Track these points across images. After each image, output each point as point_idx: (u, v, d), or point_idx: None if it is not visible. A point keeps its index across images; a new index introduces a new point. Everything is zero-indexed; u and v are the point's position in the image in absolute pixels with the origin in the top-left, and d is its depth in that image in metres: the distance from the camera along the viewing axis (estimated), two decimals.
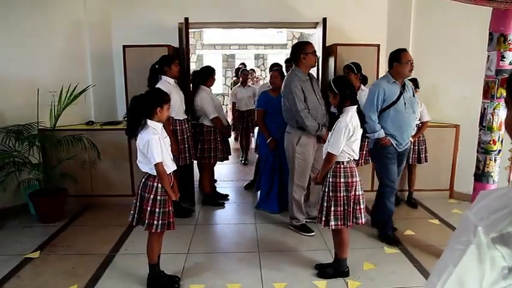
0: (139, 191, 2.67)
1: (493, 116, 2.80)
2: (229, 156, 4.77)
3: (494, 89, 2.78)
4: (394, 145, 3.46)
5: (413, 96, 3.53)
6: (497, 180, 2.89)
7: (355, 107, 2.79)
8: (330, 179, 2.80)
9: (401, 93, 3.39)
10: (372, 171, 4.52)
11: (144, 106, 2.58)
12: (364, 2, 4.94)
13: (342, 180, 2.77)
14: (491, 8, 2.70)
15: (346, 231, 2.90)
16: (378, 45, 4.36)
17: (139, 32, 4.76)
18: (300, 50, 3.56)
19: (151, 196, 2.61)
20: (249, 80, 7.75)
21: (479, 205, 0.77)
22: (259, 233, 3.84)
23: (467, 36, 3.87)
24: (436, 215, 4.22)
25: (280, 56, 13.02)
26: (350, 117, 2.71)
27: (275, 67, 4.98)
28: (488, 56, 2.80)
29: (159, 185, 2.62)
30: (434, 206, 4.47)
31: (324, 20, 4.34)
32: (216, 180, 5.40)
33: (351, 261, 3.05)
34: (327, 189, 2.81)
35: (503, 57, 2.70)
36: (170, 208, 2.69)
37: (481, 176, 2.92)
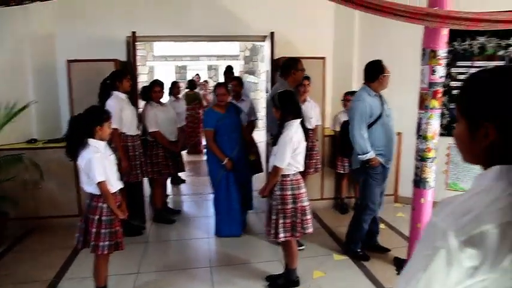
0: (85, 213, 2.59)
1: (427, 126, 2.98)
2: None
3: (428, 100, 2.96)
4: (384, 162, 3.36)
5: (387, 106, 3.47)
6: (433, 185, 3.06)
7: (299, 120, 2.86)
8: (277, 192, 2.85)
9: (382, 106, 3.35)
10: (322, 180, 4.65)
11: (84, 125, 2.51)
12: (310, 16, 5.08)
13: (290, 192, 2.83)
14: (423, 26, 2.88)
15: (294, 242, 2.96)
16: (324, 58, 4.50)
17: (85, 46, 4.61)
18: (292, 66, 3.67)
19: (96, 217, 2.54)
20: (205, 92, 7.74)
21: (444, 211, 0.82)
22: (212, 247, 3.83)
23: (406, 50, 4.08)
24: (382, 220, 4.39)
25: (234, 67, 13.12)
26: (294, 131, 2.78)
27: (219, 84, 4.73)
28: (422, 69, 2.98)
29: (105, 205, 2.55)
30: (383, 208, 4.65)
31: (272, 33, 4.44)
32: (168, 196, 5.33)
33: (301, 270, 3.11)
34: (274, 202, 2.86)
35: (434, 71, 2.88)
36: (118, 228, 2.63)
37: (419, 182, 3.07)
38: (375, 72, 3.30)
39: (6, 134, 4.05)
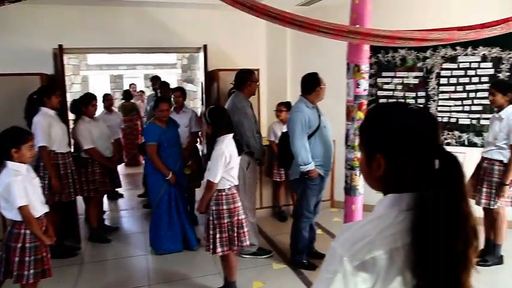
0: (5, 241, 2.43)
1: (354, 136, 3.15)
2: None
3: (354, 112, 3.13)
4: (323, 174, 3.42)
5: (324, 118, 3.54)
6: (362, 192, 3.24)
7: (231, 135, 2.91)
8: (213, 207, 2.87)
9: (319, 117, 3.42)
10: (260, 189, 4.73)
11: (0, 148, 2.37)
12: (245, 28, 5.18)
13: (225, 207, 2.86)
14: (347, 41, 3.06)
15: (232, 255, 3.00)
16: (258, 70, 4.60)
17: (6, 59, 4.34)
18: (247, 78, 3.67)
19: (19, 245, 2.39)
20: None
21: (342, 237, 0.89)
22: (151, 264, 3.75)
23: (333, 63, 4.30)
24: (319, 225, 4.56)
25: (171, 76, 12.94)
26: (225, 145, 2.82)
27: (175, 93, 4.71)
28: (347, 83, 3.16)
29: (28, 231, 2.41)
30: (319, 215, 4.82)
31: (205, 46, 4.47)
32: (104, 212, 5.14)
33: (241, 282, 3.15)
34: (211, 218, 2.87)
35: (358, 84, 3.07)
36: (44, 254, 2.49)
37: (349, 189, 3.24)
38: (311, 85, 3.40)
39: None
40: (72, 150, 4.10)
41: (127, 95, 7.73)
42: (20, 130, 2.50)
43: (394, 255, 0.83)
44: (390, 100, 4.74)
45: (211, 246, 2.88)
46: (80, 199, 4.29)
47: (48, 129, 3.60)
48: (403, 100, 4.68)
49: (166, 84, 5.85)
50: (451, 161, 0.86)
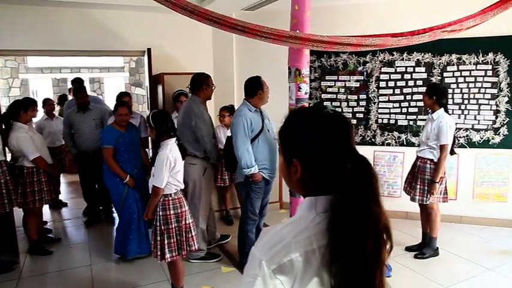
0: None
1: None
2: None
3: None
4: (267, 177, 3.44)
5: (269, 121, 3.55)
6: None
7: (174, 139, 2.90)
8: (160, 213, 2.83)
9: (262, 121, 3.43)
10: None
11: None
12: (191, 32, 5.14)
13: (172, 212, 2.83)
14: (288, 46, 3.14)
15: (180, 260, 2.97)
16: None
17: None
18: (203, 81, 3.64)
19: None
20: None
21: (261, 242, 0.91)
22: (96, 274, 3.62)
23: (280, 66, 4.39)
24: (265, 226, 4.62)
25: (118, 80, 12.59)
26: (169, 150, 2.79)
27: (124, 98, 4.56)
28: (289, 87, 3.24)
29: None
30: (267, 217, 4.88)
31: (149, 50, 4.41)
32: (46, 222, 4.90)
33: (190, 287, 3.12)
34: (158, 223, 2.83)
35: (300, 88, 3.16)
36: None
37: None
38: (254, 88, 3.42)
39: None
40: (6, 159, 3.84)
41: (63, 99, 7.32)
42: None
43: (310, 257, 0.86)
44: (334, 103, 4.91)
45: (159, 253, 2.83)
46: (17, 210, 4.05)
47: None
48: (345, 103, 4.87)
49: (81, 87, 5.12)
50: (362, 164, 0.90)
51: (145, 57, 4.68)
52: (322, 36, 2.88)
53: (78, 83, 5.54)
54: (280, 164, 1.04)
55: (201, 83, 3.67)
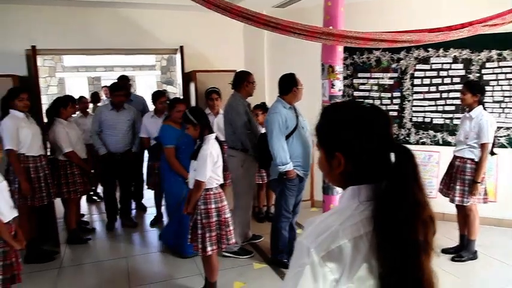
0: None
1: None
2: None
3: None
4: (302, 174, 3.43)
5: (303, 118, 3.53)
6: (340, 191, 3.28)
7: (214, 134, 2.95)
8: (202, 207, 2.87)
9: (297, 118, 3.42)
10: None
11: None
12: (222, 30, 5.18)
13: (213, 206, 2.88)
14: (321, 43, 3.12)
15: (215, 255, 3.00)
16: (235, 71, 4.60)
17: None
18: (244, 79, 3.77)
19: None
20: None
21: (307, 231, 0.92)
22: (131, 266, 3.72)
23: (310, 64, 4.36)
24: (299, 225, 4.60)
25: (150, 78, 12.85)
26: (211, 144, 2.84)
27: (161, 98, 4.52)
28: (322, 83, 3.21)
29: None
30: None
31: (181, 47, 4.47)
32: (83, 215, 5.08)
33: (222, 282, 3.16)
34: (199, 217, 2.87)
35: (333, 85, 3.13)
36: (14, 259, 2.44)
37: (327, 188, 3.29)
38: (288, 85, 3.41)
39: None
40: (45, 153, 4.00)
41: (95, 98, 7.50)
42: None
43: (358, 242, 0.86)
44: (366, 101, 4.83)
45: (200, 246, 2.87)
46: (58, 203, 4.22)
47: (16, 132, 3.53)
48: (378, 101, 4.78)
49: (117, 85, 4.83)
50: (405, 154, 0.91)
51: (178, 55, 4.75)
52: (356, 33, 2.84)
53: (122, 80, 5.20)
54: (320, 159, 1.03)
55: (242, 80, 3.80)
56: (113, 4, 4.71)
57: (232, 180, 3.89)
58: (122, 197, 4.80)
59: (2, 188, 2.43)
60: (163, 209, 4.80)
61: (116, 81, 4.95)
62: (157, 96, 4.51)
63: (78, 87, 12.30)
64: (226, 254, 3.77)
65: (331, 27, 2.94)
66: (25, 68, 4.38)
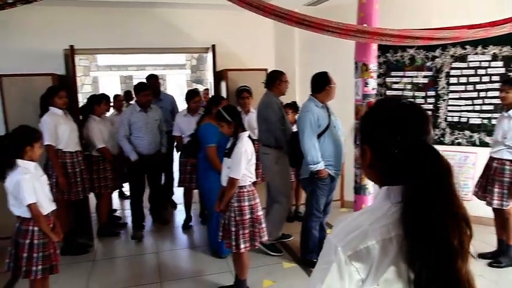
0: (14, 237, 2.48)
1: None
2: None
3: (362, 111, 3.14)
4: (333, 173, 3.40)
5: (335, 118, 3.50)
6: (372, 191, 3.24)
7: (248, 132, 2.96)
8: (235, 204, 2.89)
9: (329, 117, 3.40)
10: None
11: (13, 145, 2.43)
12: (253, 29, 5.20)
13: (247, 203, 2.89)
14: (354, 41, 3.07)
15: (245, 253, 3.01)
16: (266, 70, 4.62)
17: (19, 59, 4.43)
18: (276, 77, 3.82)
19: (27, 241, 2.44)
20: None
21: (337, 229, 0.92)
22: (161, 261, 3.80)
23: (342, 63, 4.30)
24: (329, 225, 4.55)
25: (180, 77, 13.03)
26: (246, 142, 2.86)
27: (195, 98, 4.46)
28: (356, 82, 3.16)
29: (36, 228, 2.46)
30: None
31: (213, 46, 4.51)
32: (115, 210, 5.22)
33: (251, 280, 3.17)
34: (233, 214, 2.89)
35: (367, 83, 3.07)
36: (52, 251, 2.54)
37: (359, 188, 3.24)
38: (321, 84, 3.39)
39: None
40: (81, 149, 4.11)
41: (128, 96, 7.65)
42: (31, 129, 2.56)
43: (387, 245, 0.84)
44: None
45: (233, 243, 2.89)
46: (92, 199, 4.36)
47: (55, 129, 3.67)
48: (412, 100, 4.67)
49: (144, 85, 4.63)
50: (434, 156, 0.89)
51: (210, 54, 4.79)
52: (391, 30, 2.78)
53: (150, 79, 5.17)
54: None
55: (274, 79, 3.84)
56: (147, 4, 4.81)
57: (267, 178, 3.90)
58: (151, 195, 4.72)
59: (42, 182, 2.53)
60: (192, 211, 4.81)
61: (141, 80, 4.75)
62: (192, 95, 4.48)
63: (111, 86, 12.64)
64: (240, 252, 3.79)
65: (365, 25, 2.89)
66: (63, 67, 4.54)
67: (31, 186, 2.40)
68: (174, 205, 5.44)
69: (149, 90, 4.42)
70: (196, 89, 5.10)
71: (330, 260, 0.86)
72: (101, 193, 4.31)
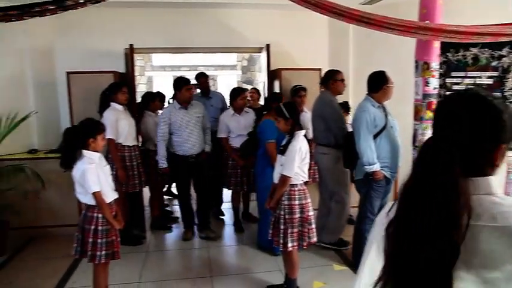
0: (81, 224, 2.63)
1: (423, 136, 3.04)
2: None
3: (422, 111, 3.03)
4: (389, 175, 3.31)
5: (392, 118, 3.40)
6: None
7: (304, 131, 2.94)
8: (286, 202, 2.87)
9: (386, 117, 3.32)
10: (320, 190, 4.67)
11: (78, 137, 2.57)
12: (306, 28, 5.19)
13: (297, 202, 2.87)
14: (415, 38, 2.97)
15: (296, 252, 2.99)
16: (320, 69, 4.58)
17: (84, 58, 4.74)
18: (330, 76, 3.82)
19: (92, 227, 2.58)
20: None
21: (381, 213, 0.98)
22: (212, 256, 3.86)
23: (400, 62, 4.17)
24: None
25: (231, 78, 13.22)
26: (301, 140, 2.84)
27: (241, 94, 4.35)
28: (415, 81, 3.05)
29: (100, 215, 2.59)
30: None
31: (268, 45, 4.53)
32: (167, 205, 5.37)
33: (301, 280, 3.14)
34: (283, 212, 2.87)
35: (427, 83, 2.96)
36: (114, 238, 2.66)
37: None
38: (378, 83, 3.30)
39: (7, 144, 4.10)
40: (138, 143, 4.30)
41: None
42: (95, 122, 2.71)
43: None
44: None
45: (281, 241, 2.88)
46: (145, 192, 4.53)
47: (116, 123, 3.84)
48: None
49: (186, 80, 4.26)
50: None
51: (264, 53, 4.83)
52: (457, 26, 2.65)
53: (200, 77, 5.03)
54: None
55: (328, 78, 3.83)
56: (203, 5, 4.93)
57: (324, 179, 3.86)
58: (199, 208, 4.34)
59: (106, 172, 2.67)
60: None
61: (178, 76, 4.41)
62: (238, 92, 4.34)
63: (164, 86, 13.06)
64: (323, 245, 3.84)
65: (427, 22, 2.78)
66: (123, 65, 4.77)
67: (96, 176, 2.53)
68: (222, 214, 5.04)
69: (192, 85, 4.17)
70: (241, 87, 5.04)
71: (370, 240, 0.97)
72: (156, 186, 4.46)
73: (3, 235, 4.00)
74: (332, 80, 3.78)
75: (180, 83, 4.06)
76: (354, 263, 3.55)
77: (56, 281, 3.36)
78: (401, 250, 0.83)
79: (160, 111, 4.67)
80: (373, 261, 0.87)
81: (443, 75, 4.55)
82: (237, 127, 4.27)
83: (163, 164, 4.04)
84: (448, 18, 2.87)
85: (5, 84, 4.46)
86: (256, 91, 5.30)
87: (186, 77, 4.24)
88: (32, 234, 4.31)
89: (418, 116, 3.08)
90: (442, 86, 4.56)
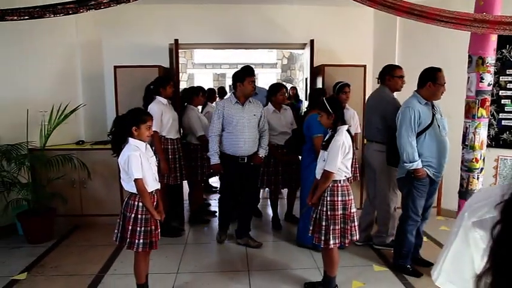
0: (122, 211, 2.69)
1: (474, 135, 2.89)
2: None
3: (475, 109, 2.87)
4: (432, 175, 3.17)
5: (442, 117, 3.24)
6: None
7: (347, 126, 2.86)
8: (328, 198, 2.81)
9: (433, 115, 3.16)
10: (361, 189, 4.57)
11: (124, 125, 2.63)
12: (350, 24, 5.08)
13: (340, 198, 2.80)
14: (470, 32, 2.81)
15: (336, 250, 2.92)
16: (365, 66, 4.46)
17: (130, 52, 4.87)
18: (387, 72, 3.73)
19: (133, 215, 2.61)
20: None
21: (471, 198, 0.91)
22: (249, 251, 3.85)
23: (450, 57, 3.99)
24: (424, 233, 4.26)
25: (271, 76, 13.21)
26: (344, 136, 2.77)
27: (280, 90, 4.32)
28: (468, 77, 2.90)
29: (141, 204, 2.62)
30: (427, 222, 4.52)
31: (312, 41, 4.46)
32: (205, 199, 5.43)
33: (340, 279, 3.08)
34: (325, 208, 2.81)
35: (482, 78, 2.80)
36: (153, 227, 2.67)
37: (465, 193, 2.98)
38: (423, 79, 3.16)
39: (58, 135, 4.29)
40: (180, 137, 4.35)
41: (222, 91, 7.98)
42: (141, 111, 2.76)
43: None
44: None
45: (323, 238, 2.82)
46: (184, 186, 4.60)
47: (160, 117, 3.90)
48: None
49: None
50: None
51: (307, 50, 4.76)
52: None
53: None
54: None
55: (385, 73, 3.73)
56: (248, 0, 4.93)
57: (376, 177, 3.77)
58: (242, 213, 4.04)
59: (152, 162, 2.71)
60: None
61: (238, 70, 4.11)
62: (278, 88, 4.29)
63: (205, 83, 13.27)
64: (378, 247, 3.83)
65: (484, 13, 2.63)
66: (167, 60, 4.86)
67: (139, 163, 2.57)
68: (258, 214, 4.92)
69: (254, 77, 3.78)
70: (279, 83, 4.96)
71: (459, 224, 0.87)
72: (197, 180, 4.51)
73: (51, 221, 4.18)
74: (389, 75, 3.66)
75: (244, 74, 3.67)
76: (394, 264, 3.43)
77: (99, 266, 3.48)
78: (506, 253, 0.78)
79: (200, 107, 4.75)
80: (458, 248, 0.87)
81: (496, 73, 4.32)
82: (278, 124, 4.22)
83: (215, 160, 3.72)
84: (507, 9, 2.71)
85: (56, 78, 4.66)
86: (295, 89, 5.24)
87: (250, 66, 3.82)
88: (77, 222, 4.49)
89: (469, 114, 2.93)
90: (496, 84, 4.34)
